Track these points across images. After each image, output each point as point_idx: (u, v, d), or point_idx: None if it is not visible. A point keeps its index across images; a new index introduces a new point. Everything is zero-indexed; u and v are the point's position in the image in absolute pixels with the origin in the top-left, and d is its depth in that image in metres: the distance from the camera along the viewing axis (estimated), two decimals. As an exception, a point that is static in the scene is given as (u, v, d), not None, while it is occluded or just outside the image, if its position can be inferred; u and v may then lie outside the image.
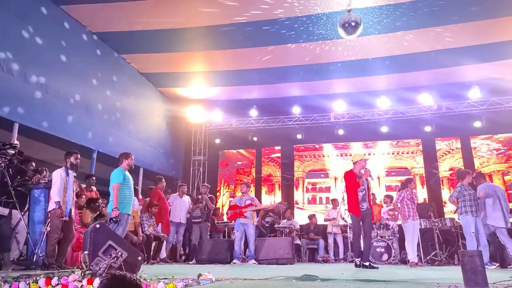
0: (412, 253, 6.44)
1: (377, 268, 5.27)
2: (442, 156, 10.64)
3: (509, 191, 9.66)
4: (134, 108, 8.91)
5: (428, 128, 10.35)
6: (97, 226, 3.13)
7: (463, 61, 8.64)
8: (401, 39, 7.76)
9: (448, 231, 7.59)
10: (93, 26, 7.42)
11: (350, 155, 10.49)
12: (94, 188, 6.77)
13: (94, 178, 6.90)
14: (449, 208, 9.54)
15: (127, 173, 5.16)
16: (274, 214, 9.15)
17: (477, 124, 9.93)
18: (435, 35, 7.60)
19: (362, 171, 5.59)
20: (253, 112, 10.91)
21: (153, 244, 7.28)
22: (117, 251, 3.00)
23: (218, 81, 9.87)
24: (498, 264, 6.01)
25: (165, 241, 7.57)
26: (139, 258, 3.22)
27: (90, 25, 7.39)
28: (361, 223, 5.44)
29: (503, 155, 10.08)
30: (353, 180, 5.52)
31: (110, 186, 4.93)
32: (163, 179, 7.93)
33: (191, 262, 7.36)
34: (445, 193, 10.09)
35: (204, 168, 11.42)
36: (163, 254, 7.60)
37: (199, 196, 8.17)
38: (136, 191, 7.77)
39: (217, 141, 11.61)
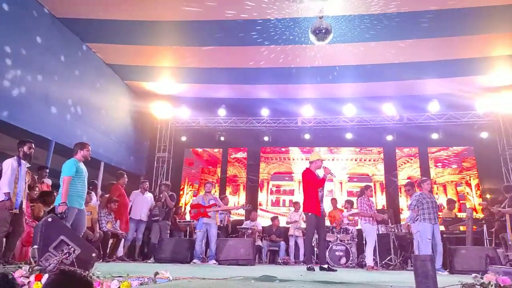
0: (369, 257, 6.63)
1: (335, 270, 5.37)
2: (402, 165, 11.06)
3: (461, 201, 10.21)
4: (97, 100, 8.57)
5: (389, 137, 10.74)
6: (49, 219, 2.97)
7: (425, 75, 9.06)
8: (368, 49, 7.99)
9: (403, 237, 7.89)
10: (57, 10, 7.05)
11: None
12: (46, 181, 6.42)
13: (47, 170, 6.55)
14: (405, 215, 9.90)
15: (82, 165, 4.82)
16: (224, 212, 9.01)
17: (435, 136, 10.43)
18: (401, 48, 7.90)
19: (319, 171, 5.64)
20: (222, 112, 10.85)
21: (110, 241, 7.03)
22: (70, 246, 2.86)
23: (187, 77, 9.72)
24: (448, 270, 6.31)
25: (123, 239, 7.33)
26: (93, 255, 3.09)
27: (54, 9, 7.02)
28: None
29: (457, 167, 10.64)
30: (314, 178, 5.54)
31: (61, 179, 4.60)
32: (125, 175, 7.69)
33: (149, 261, 7.18)
34: (402, 201, 10.50)
35: (168, 165, 11.20)
36: (121, 252, 7.36)
37: (161, 195, 8.01)
38: (95, 186, 7.49)
39: (183, 138, 11.43)
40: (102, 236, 6.57)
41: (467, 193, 10.35)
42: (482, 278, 2.33)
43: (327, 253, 7.52)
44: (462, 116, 10.25)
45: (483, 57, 8.13)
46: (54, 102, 7.12)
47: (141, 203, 7.72)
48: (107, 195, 7.43)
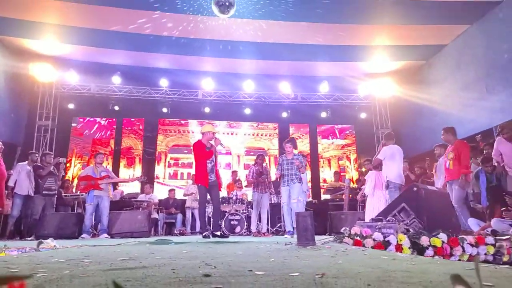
0: (253, 224, 7.15)
1: (227, 237, 5.64)
2: (294, 140, 11.91)
3: (341, 173, 11.52)
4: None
5: (284, 114, 11.44)
6: None
7: (317, 57, 9.79)
8: (269, 27, 8.28)
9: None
10: None
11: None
12: None
13: None
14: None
15: None
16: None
17: (323, 114, 11.46)
18: (296, 29, 8.37)
19: (212, 142, 5.77)
20: (116, 79, 10.14)
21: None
22: None
23: (74, 38, 8.73)
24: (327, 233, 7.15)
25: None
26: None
27: None
28: (208, 195, 5.59)
29: (339, 143, 11.92)
30: (202, 150, 5.61)
31: None
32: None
33: (29, 238, 6.50)
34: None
35: (52, 135, 10.10)
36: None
37: (53, 168, 7.23)
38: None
39: (71, 106, 10.38)
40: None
41: (347, 166, 11.72)
42: (350, 230, 2.75)
43: (223, 223, 7.83)
44: (346, 98, 11.43)
45: (365, 46, 9.13)
46: None
47: (29, 177, 6.89)
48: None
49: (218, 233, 5.51)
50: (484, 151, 6.12)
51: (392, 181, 5.53)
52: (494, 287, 0.80)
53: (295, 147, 6.53)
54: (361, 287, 0.74)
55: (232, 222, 8.10)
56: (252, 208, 8.47)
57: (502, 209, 4.75)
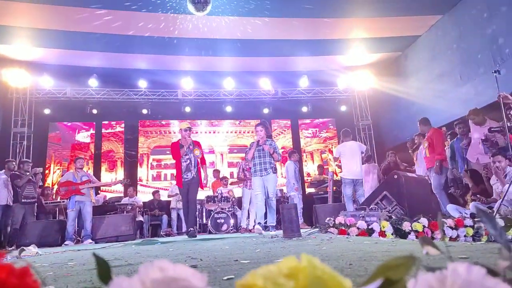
0: (243, 220, 7.15)
1: (195, 235, 5.54)
2: (277, 136, 11.96)
3: (325, 167, 11.65)
4: None
5: (266, 110, 11.46)
6: None
7: (296, 52, 9.84)
8: (247, 24, 8.27)
9: (278, 200, 8.68)
10: None
11: (196, 132, 10.77)
12: None
13: None
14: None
15: None
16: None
17: (304, 109, 11.54)
18: (274, 25, 8.39)
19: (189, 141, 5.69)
20: (93, 82, 9.93)
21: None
22: None
23: (47, 41, 8.51)
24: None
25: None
26: None
27: None
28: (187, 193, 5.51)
29: (321, 136, 12.04)
30: (174, 150, 5.56)
31: None
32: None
33: (10, 249, 6.34)
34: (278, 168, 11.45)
35: (29, 142, 9.82)
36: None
37: (31, 176, 7.04)
38: None
39: (47, 111, 10.12)
40: None
41: (330, 159, 11.85)
42: (334, 220, 2.80)
43: (209, 222, 7.82)
44: (326, 91, 11.54)
45: (343, 39, 9.23)
46: None
47: (7, 186, 6.70)
48: None
49: (191, 229, 5.18)
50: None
51: (342, 176, 5.78)
52: (468, 259, 0.84)
53: (268, 132, 5.74)
54: (343, 267, 0.77)
55: (218, 221, 8.09)
56: (238, 206, 8.50)
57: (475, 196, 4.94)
